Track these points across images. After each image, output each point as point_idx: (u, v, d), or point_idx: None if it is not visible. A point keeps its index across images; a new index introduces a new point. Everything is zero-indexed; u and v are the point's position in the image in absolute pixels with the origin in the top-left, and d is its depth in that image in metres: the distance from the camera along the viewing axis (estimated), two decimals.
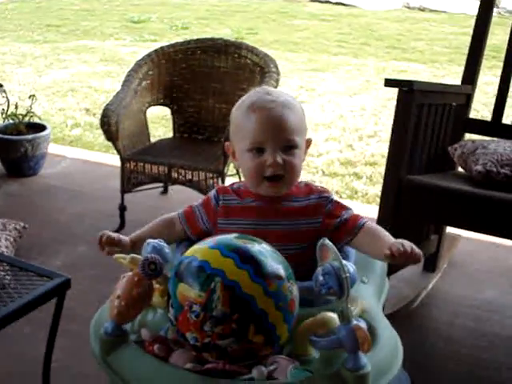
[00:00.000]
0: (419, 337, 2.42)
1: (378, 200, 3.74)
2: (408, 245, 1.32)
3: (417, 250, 1.32)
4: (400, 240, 1.34)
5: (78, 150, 4.71)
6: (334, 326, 1.19)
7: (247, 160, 1.46)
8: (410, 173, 2.39)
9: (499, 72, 2.79)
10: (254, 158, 1.44)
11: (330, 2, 12.07)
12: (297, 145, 1.46)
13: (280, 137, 1.43)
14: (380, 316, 1.40)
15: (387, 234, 1.45)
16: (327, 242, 1.23)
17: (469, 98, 2.76)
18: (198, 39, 3.55)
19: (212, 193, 1.57)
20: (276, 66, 3.23)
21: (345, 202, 1.56)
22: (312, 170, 4.32)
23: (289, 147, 1.44)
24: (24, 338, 2.31)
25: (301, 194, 1.52)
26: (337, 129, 5.27)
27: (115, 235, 1.47)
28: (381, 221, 2.39)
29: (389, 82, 2.33)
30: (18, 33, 9.32)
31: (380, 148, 4.80)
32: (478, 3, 2.84)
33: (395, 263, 1.36)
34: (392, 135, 2.36)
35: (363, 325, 1.24)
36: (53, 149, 4.34)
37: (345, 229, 1.48)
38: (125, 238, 1.50)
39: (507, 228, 2.23)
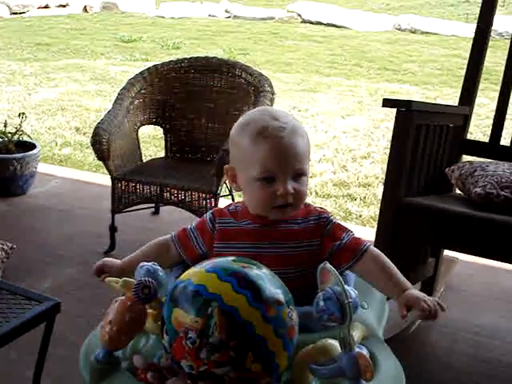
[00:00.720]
0: (417, 363, 2.37)
1: (373, 222, 3.75)
2: (432, 303, 1.30)
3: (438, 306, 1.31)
4: (418, 294, 1.34)
5: (67, 169, 4.66)
6: (335, 354, 1.15)
7: (256, 189, 1.41)
8: (407, 194, 2.35)
9: (491, 94, 2.79)
10: (264, 188, 1.40)
11: (322, 24, 12.13)
12: (306, 172, 1.44)
13: (291, 166, 1.40)
14: (381, 343, 1.37)
15: (394, 267, 1.43)
16: (328, 265, 1.19)
17: (466, 119, 2.74)
18: (191, 58, 3.51)
19: (207, 216, 1.52)
20: (271, 86, 3.20)
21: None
22: None
23: (298, 175, 1.42)
24: (10, 363, 2.24)
25: (299, 216, 1.48)
26: (330, 150, 5.24)
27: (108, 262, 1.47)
28: (378, 243, 2.35)
29: (387, 102, 2.29)
30: (7, 51, 9.29)
31: (373, 169, 4.77)
32: (469, 26, 2.82)
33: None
34: (390, 156, 2.33)
35: (365, 352, 1.20)
36: (42, 168, 4.29)
37: (345, 252, 1.44)
38: (116, 262, 1.47)
39: (507, 252, 2.19)
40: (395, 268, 1.42)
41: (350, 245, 1.45)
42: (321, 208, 1.53)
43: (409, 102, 2.26)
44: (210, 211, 1.54)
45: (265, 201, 1.41)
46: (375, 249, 1.46)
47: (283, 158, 1.39)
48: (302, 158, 1.41)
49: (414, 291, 1.37)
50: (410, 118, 2.25)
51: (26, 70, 8.04)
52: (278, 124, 1.40)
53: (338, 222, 1.51)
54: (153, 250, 1.52)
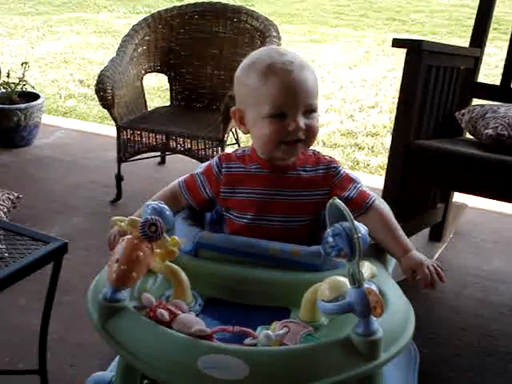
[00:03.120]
0: (425, 307, 2.36)
1: (381, 171, 3.72)
2: (432, 269, 1.36)
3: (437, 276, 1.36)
4: (421, 258, 1.38)
5: (72, 120, 4.62)
6: (344, 290, 1.12)
7: (265, 126, 1.37)
8: (417, 138, 2.31)
9: (501, 44, 2.72)
10: (274, 124, 1.36)
11: None
12: (316, 108, 1.40)
13: (302, 101, 1.36)
14: (390, 281, 1.35)
15: (398, 226, 1.43)
16: (337, 201, 1.16)
17: (477, 61, 2.67)
18: (195, 3, 3.43)
19: (214, 160, 1.50)
20: (277, 31, 3.13)
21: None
22: None
23: (309, 111, 1.38)
24: (19, 310, 2.25)
25: (309, 164, 1.46)
26: (337, 100, 5.19)
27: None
28: (387, 187, 2.32)
29: (397, 42, 2.23)
30: (9, 5, 9.18)
31: (381, 119, 4.73)
32: None
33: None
34: (399, 98, 2.28)
35: (375, 288, 1.18)
36: (47, 119, 4.26)
37: (352, 204, 1.39)
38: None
39: None
40: (399, 226, 1.43)
41: (357, 197, 1.43)
42: (329, 157, 1.50)
43: (419, 42, 2.20)
44: (217, 155, 1.52)
45: (275, 136, 1.37)
46: (381, 203, 1.46)
47: (293, 92, 1.35)
48: (312, 93, 1.38)
49: (417, 254, 1.39)
50: (420, 58, 2.19)
51: (28, 24, 7.95)
52: (287, 59, 1.38)
53: (347, 172, 1.49)
54: (162, 201, 1.49)
